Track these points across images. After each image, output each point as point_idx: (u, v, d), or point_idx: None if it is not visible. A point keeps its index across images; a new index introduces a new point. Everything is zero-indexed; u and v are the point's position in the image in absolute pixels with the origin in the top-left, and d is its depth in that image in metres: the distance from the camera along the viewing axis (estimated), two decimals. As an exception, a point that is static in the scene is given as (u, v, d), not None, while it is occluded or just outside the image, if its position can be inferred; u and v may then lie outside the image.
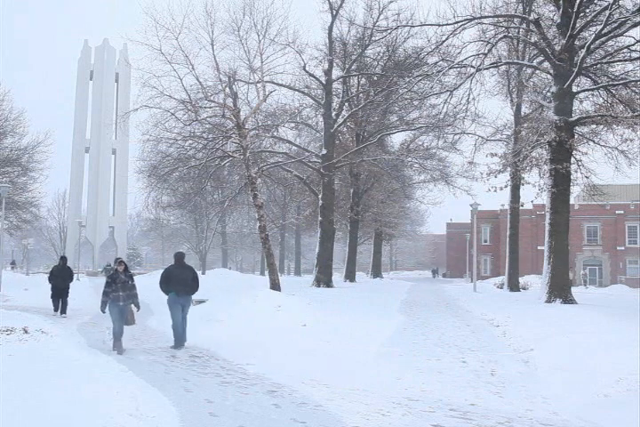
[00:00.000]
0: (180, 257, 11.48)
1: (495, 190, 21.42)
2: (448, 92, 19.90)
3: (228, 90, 22.48)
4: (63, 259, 17.75)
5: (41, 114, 72.67)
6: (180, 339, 11.01)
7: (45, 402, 5.59)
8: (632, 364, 7.96)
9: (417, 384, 8.04)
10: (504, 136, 29.47)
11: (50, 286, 17.42)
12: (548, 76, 22.14)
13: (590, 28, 19.67)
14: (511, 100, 28.86)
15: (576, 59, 18.66)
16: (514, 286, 30.13)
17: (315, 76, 29.58)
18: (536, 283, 30.37)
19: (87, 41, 70.05)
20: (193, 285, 11.29)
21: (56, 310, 16.87)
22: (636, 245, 59.96)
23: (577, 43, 19.33)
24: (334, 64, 30.04)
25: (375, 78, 30.77)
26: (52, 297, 17.13)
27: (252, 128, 24.45)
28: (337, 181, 33.03)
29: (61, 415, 5.28)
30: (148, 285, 29.22)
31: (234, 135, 22.84)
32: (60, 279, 17.08)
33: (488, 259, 66.84)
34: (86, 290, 25.93)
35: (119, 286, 10.51)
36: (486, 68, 20.79)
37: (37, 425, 4.97)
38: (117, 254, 66.58)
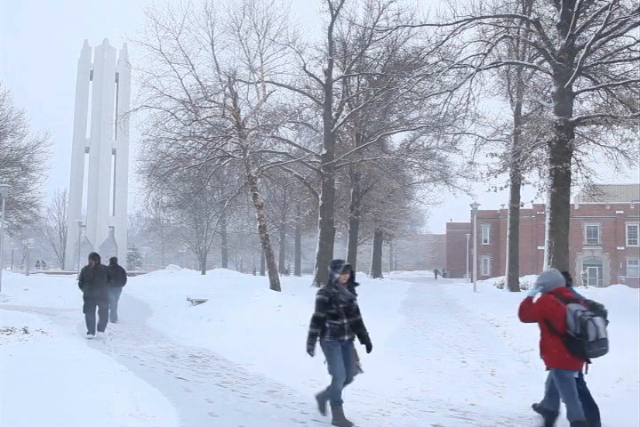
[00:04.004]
0: (112, 260, 16.15)
1: (495, 190, 21.40)
2: (448, 92, 19.88)
3: (227, 90, 22.49)
4: (95, 257, 12.88)
5: (41, 114, 72.72)
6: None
7: (45, 402, 5.59)
8: (632, 364, 7.96)
9: (417, 384, 8.04)
10: (504, 136, 29.46)
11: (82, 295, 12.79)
12: (548, 76, 22.13)
13: (590, 28, 19.65)
14: (511, 100, 28.85)
15: (576, 59, 18.64)
16: (514, 286, 30.12)
17: (315, 76, 29.58)
18: (536, 283, 30.33)
19: (87, 41, 70.15)
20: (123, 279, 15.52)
21: (91, 330, 12.20)
22: (636, 245, 59.95)
23: (577, 43, 19.31)
24: (334, 64, 30.03)
25: (375, 78, 30.76)
26: (84, 311, 12.43)
27: (252, 128, 24.45)
28: (337, 181, 33.00)
29: (61, 415, 5.28)
30: (148, 285, 29.24)
31: (234, 135, 22.84)
32: (95, 286, 12.44)
33: (488, 259, 66.82)
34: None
35: (341, 310, 6.16)
36: (486, 68, 20.76)
37: (37, 425, 4.97)
38: (117, 254, 66.55)
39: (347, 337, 6.18)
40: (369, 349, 6.32)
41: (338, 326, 6.10)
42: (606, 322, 5.74)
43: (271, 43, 24.84)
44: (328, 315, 6.12)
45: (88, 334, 12.15)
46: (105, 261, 14.87)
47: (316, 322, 6.13)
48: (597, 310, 5.76)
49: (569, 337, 5.45)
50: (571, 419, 5.50)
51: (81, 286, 12.67)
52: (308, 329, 6.16)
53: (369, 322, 13.65)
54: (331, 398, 6.16)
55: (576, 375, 5.72)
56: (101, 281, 12.54)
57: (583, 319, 5.38)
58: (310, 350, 6.13)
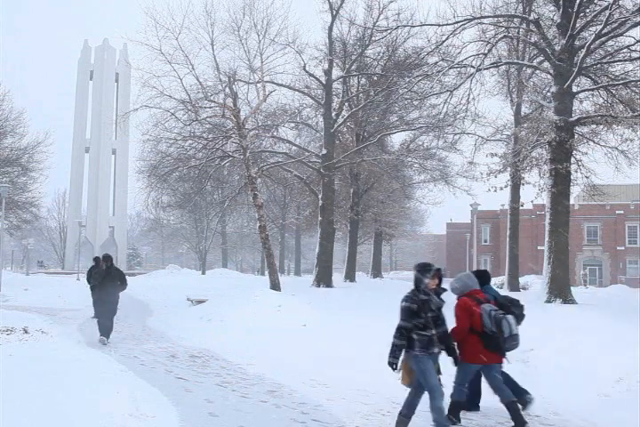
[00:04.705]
0: (95, 259, 14.86)
1: (495, 190, 21.39)
2: (448, 92, 19.86)
3: (227, 90, 22.50)
4: (106, 258, 12.08)
5: (41, 114, 72.70)
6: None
7: (45, 402, 5.59)
8: (632, 364, 7.96)
9: (417, 384, 8.03)
10: (504, 136, 29.44)
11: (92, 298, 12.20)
12: (548, 76, 22.12)
13: (590, 28, 19.64)
14: (511, 100, 28.84)
15: (576, 59, 18.64)
16: (514, 286, 30.12)
17: (315, 76, 29.58)
18: (536, 283, 30.35)
19: (87, 41, 70.22)
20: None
21: (106, 335, 11.62)
22: (636, 245, 59.97)
23: (577, 43, 19.31)
24: (334, 64, 30.02)
25: (375, 78, 30.76)
26: (96, 316, 12.00)
27: (252, 128, 24.45)
28: (337, 181, 33.00)
29: (61, 415, 5.28)
30: (148, 285, 29.25)
31: (234, 135, 22.84)
32: (105, 288, 11.70)
33: (488, 259, 66.82)
34: (85, 290, 25.91)
35: (430, 319, 5.67)
36: (486, 68, 20.75)
37: (37, 425, 4.97)
38: (117, 254, 66.48)
39: (436, 349, 5.65)
40: (456, 361, 6.00)
41: (427, 337, 5.57)
42: (523, 316, 6.46)
43: (271, 43, 24.87)
44: (415, 325, 5.61)
45: (101, 336, 11.46)
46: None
47: (402, 333, 5.61)
48: (516, 305, 6.45)
49: (486, 334, 5.97)
50: (453, 398, 6.26)
51: (92, 288, 11.90)
52: (393, 341, 5.64)
53: (368, 322, 13.67)
54: (437, 415, 5.56)
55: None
56: (112, 284, 11.69)
57: (498, 317, 5.92)
58: (394, 364, 5.62)
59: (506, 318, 5.91)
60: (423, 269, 5.75)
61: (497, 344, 5.94)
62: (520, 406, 6.17)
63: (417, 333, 5.56)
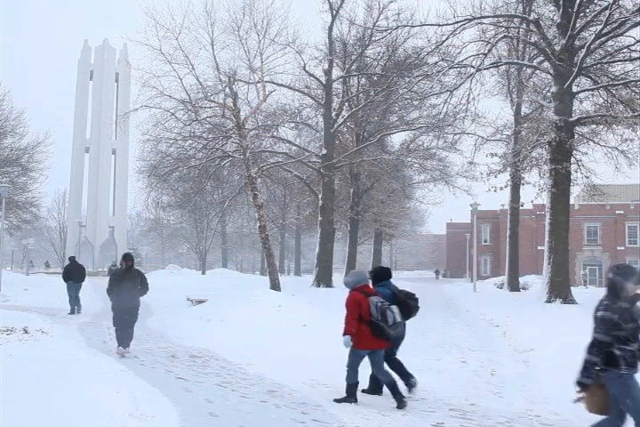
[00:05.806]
0: (71, 258, 18.69)
1: (495, 190, 21.42)
2: (448, 92, 19.88)
3: (227, 90, 22.49)
4: (127, 257, 10.53)
5: (41, 114, 72.70)
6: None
7: (45, 402, 5.59)
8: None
9: (417, 384, 8.02)
10: (504, 136, 29.45)
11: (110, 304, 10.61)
12: (548, 76, 22.14)
13: (590, 28, 19.66)
14: (511, 100, 28.84)
15: (576, 59, 18.66)
16: (514, 286, 30.13)
17: (315, 76, 29.57)
18: (536, 283, 30.35)
19: (87, 41, 70.25)
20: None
21: (122, 344, 10.22)
22: (636, 245, 59.96)
23: (577, 43, 19.33)
24: (334, 64, 30.02)
25: (375, 78, 30.75)
26: (114, 325, 10.45)
27: (252, 128, 24.45)
28: (337, 181, 33.00)
29: (61, 415, 5.28)
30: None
31: (234, 135, 22.84)
32: (124, 292, 10.17)
33: (488, 259, 66.81)
34: (85, 290, 25.85)
35: (631, 330, 4.69)
36: (486, 68, 20.77)
37: (37, 425, 4.97)
38: (117, 254, 66.46)
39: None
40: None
41: (631, 352, 4.62)
42: (418, 307, 7.38)
43: (271, 43, 24.89)
44: (615, 338, 4.65)
45: (118, 347, 10.19)
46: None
47: (600, 348, 4.70)
48: (412, 298, 7.35)
49: (372, 323, 6.72)
50: (348, 382, 6.94)
51: (109, 292, 10.39)
52: (586, 357, 4.76)
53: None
54: None
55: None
56: (132, 287, 10.23)
57: (383, 308, 6.74)
58: (586, 385, 4.76)
59: (390, 309, 6.74)
60: (624, 271, 4.75)
61: (382, 331, 6.70)
62: (407, 388, 7.24)
63: (619, 347, 4.62)
